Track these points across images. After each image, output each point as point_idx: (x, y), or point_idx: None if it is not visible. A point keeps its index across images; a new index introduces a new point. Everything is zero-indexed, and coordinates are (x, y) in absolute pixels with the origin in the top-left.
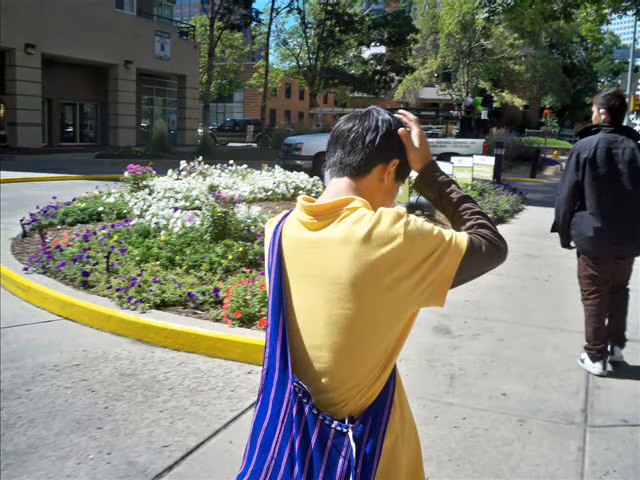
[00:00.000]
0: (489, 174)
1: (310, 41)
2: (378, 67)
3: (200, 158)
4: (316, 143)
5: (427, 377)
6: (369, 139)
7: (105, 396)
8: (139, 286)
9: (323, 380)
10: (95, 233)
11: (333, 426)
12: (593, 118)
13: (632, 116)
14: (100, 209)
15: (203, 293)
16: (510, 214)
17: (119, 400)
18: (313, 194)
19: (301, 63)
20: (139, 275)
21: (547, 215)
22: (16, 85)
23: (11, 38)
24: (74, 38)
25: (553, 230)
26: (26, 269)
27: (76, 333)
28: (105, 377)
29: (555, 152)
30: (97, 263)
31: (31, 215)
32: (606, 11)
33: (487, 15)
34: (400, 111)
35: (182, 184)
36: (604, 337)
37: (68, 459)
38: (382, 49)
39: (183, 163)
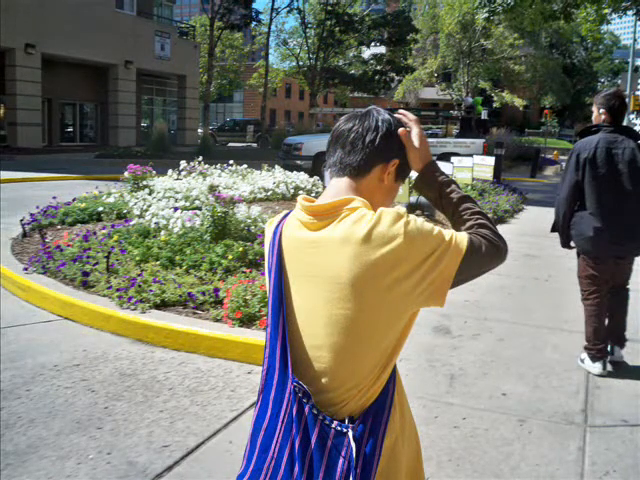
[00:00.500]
0: (489, 174)
1: (310, 41)
2: (378, 67)
3: (200, 158)
4: (316, 143)
5: (427, 377)
6: (369, 139)
7: (105, 396)
8: (139, 286)
9: (323, 380)
10: (95, 233)
11: (333, 426)
12: (593, 118)
13: (632, 116)
14: (100, 209)
15: (203, 293)
16: (510, 214)
17: (119, 400)
18: (313, 194)
19: (301, 63)
20: (139, 275)
21: (547, 215)
22: (16, 85)
23: (11, 38)
24: (74, 38)
25: (553, 230)
26: (26, 269)
27: (76, 333)
28: (105, 377)
29: (555, 152)
30: (97, 263)
31: (31, 215)
32: (606, 11)
33: (487, 15)
34: (400, 111)
35: (182, 184)
36: (604, 337)
37: (68, 459)
38: (382, 49)
39: (183, 163)
